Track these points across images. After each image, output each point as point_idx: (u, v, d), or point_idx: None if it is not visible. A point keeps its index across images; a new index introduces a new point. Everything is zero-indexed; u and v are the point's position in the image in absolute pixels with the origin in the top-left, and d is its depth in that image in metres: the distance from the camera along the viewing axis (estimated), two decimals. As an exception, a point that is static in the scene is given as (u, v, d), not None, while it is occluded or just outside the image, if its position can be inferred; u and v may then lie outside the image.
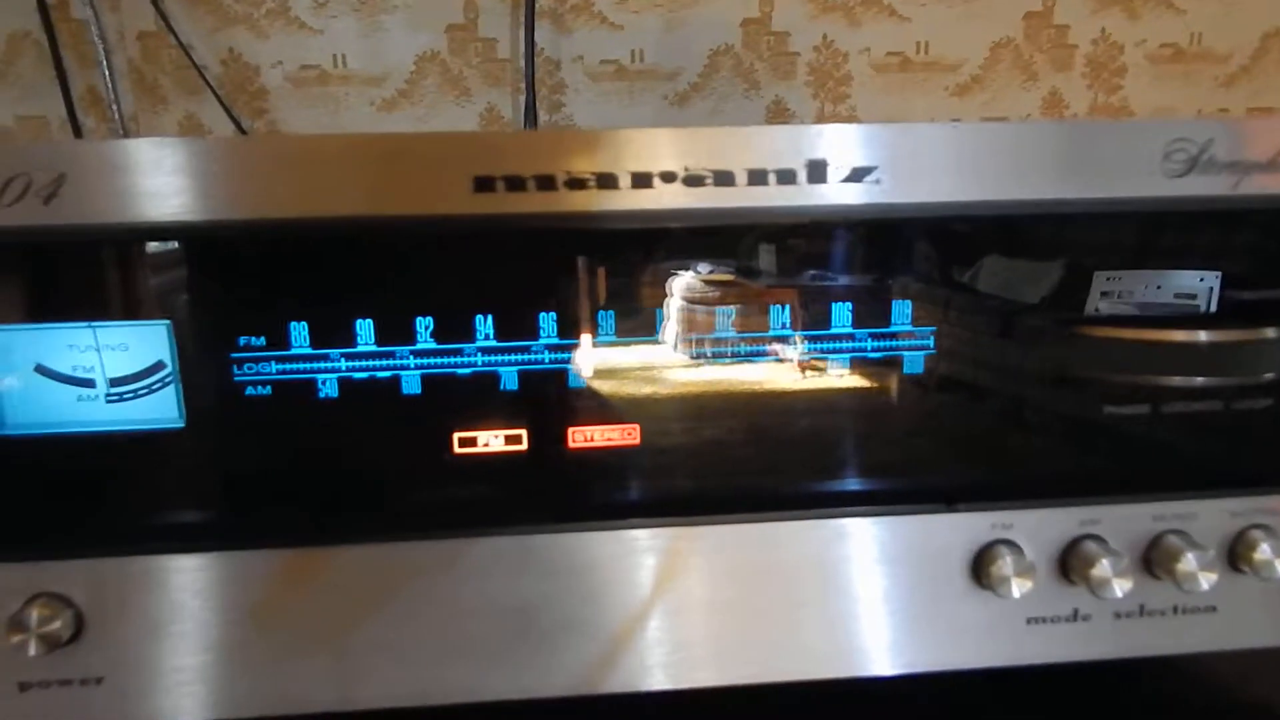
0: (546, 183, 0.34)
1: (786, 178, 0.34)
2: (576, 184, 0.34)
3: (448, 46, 0.88)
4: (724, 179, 0.34)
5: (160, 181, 0.34)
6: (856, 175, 0.34)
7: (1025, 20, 0.89)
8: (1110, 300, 0.40)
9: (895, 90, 0.91)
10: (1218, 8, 0.87)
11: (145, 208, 0.33)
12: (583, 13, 0.89)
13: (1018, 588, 0.38)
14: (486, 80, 0.90)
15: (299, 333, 0.37)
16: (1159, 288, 0.40)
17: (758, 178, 0.34)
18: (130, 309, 0.36)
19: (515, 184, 0.34)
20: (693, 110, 0.93)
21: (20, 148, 0.31)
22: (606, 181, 0.34)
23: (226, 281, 0.37)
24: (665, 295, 0.38)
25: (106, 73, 0.82)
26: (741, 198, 0.35)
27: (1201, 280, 0.41)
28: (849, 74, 0.91)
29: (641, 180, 0.34)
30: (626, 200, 0.34)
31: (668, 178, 0.34)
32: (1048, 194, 0.36)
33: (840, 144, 0.35)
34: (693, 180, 0.34)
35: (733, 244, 0.37)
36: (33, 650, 0.36)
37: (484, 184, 0.34)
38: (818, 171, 0.34)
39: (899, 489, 0.40)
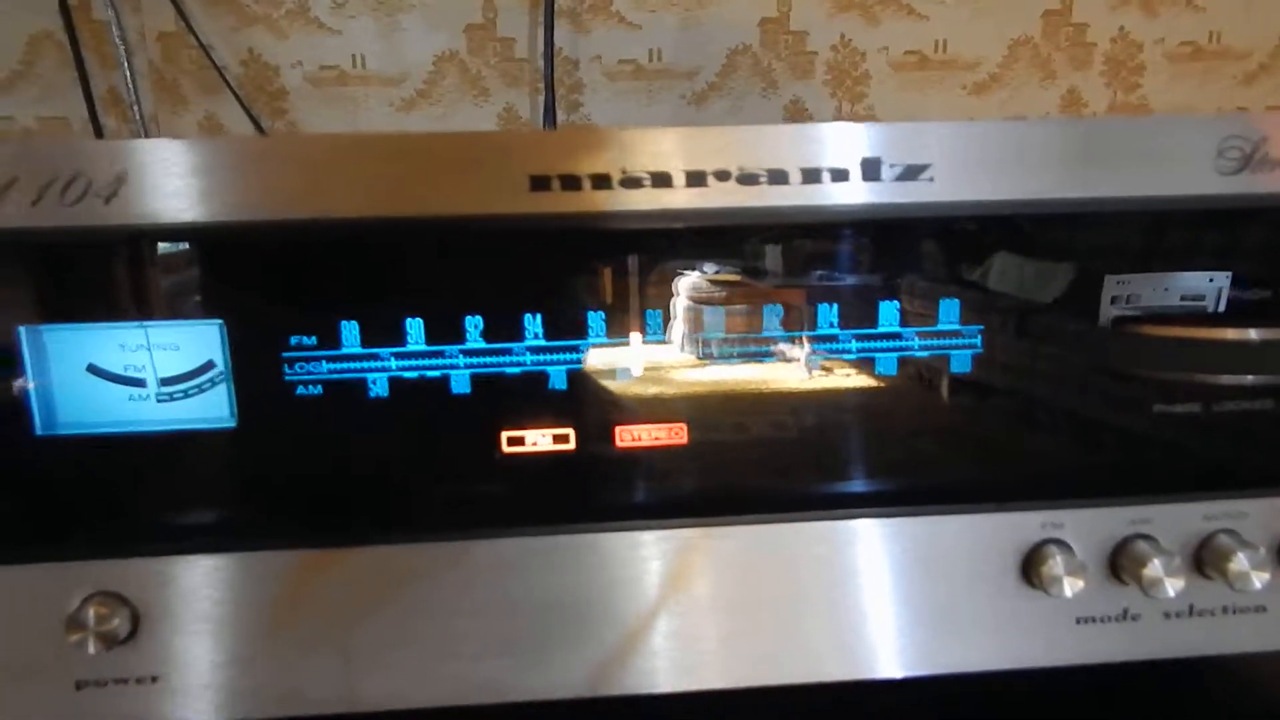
0: (602, 181, 0.34)
1: (840, 176, 0.35)
2: (632, 182, 0.34)
3: (466, 46, 0.89)
4: (777, 177, 0.35)
5: (220, 180, 0.34)
6: (910, 173, 0.35)
7: (1043, 18, 0.89)
8: (1120, 304, 0.40)
9: (913, 89, 0.91)
10: (1237, 5, 0.88)
11: (205, 207, 0.34)
12: (601, 12, 0.89)
13: (1069, 587, 0.39)
14: (505, 80, 0.90)
15: (350, 332, 0.37)
16: (1166, 289, 0.41)
17: (811, 176, 0.35)
18: (183, 308, 0.36)
19: (571, 183, 0.34)
20: (710, 110, 0.93)
21: (81, 147, 0.32)
22: (661, 180, 0.34)
23: (279, 280, 0.37)
24: (714, 295, 0.38)
25: (128, 73, 0.83)
26: (795, 196, 0.35)
27: (1211, 281, 0.41)
28: (867, 73, 0.92)
29: (696, 179, 0.34)
30: (680, 199, 0.35)
31: (721, 176, 0.35)
32: (1102, 191, 0.36)
33: (894, 141, 0.35)
34: (746, 179, 0.34)
35: (781, 243, 0.37)
36: (91, 648, 0.36)
37: (540, 183, 0.34)
38: (872, 169, 0.35)
39: (949, 488, 0.40)
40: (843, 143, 0.35)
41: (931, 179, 0.35)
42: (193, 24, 0.84)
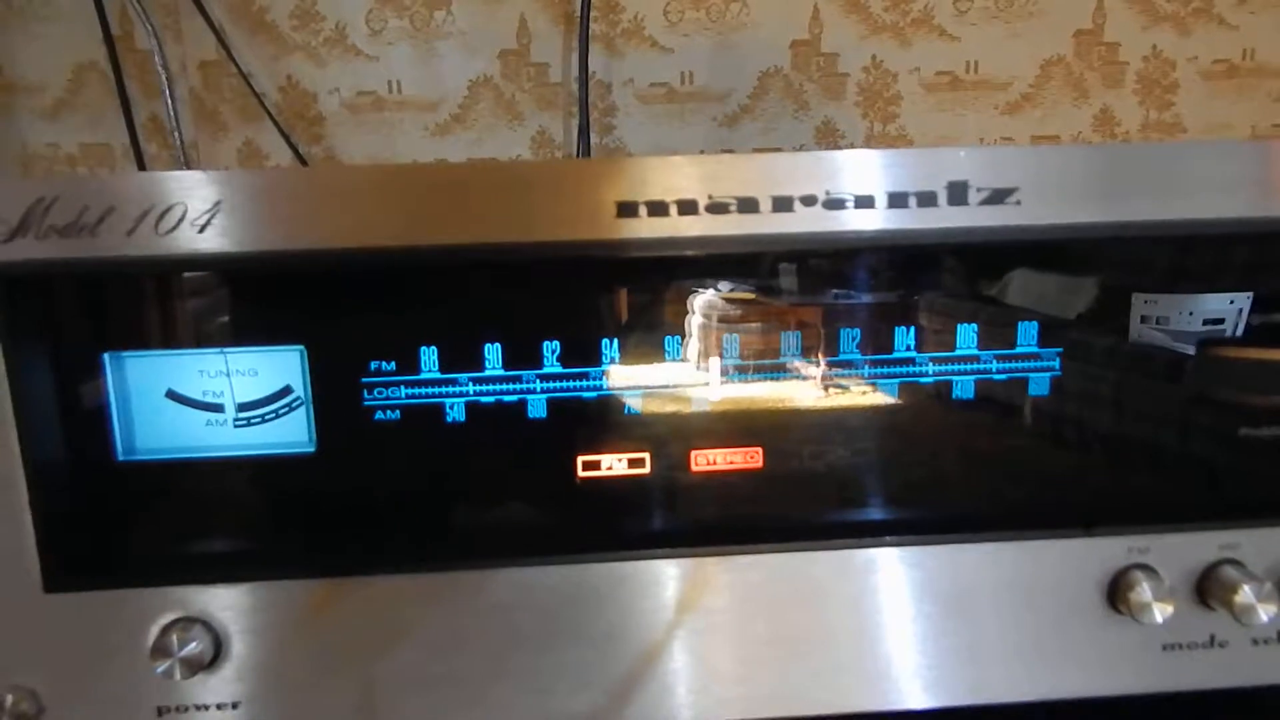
0: (688, 207, 0.35)
1: (927, 200, 0.35)
2: (718, 208, 0.35)
3: (500, 71, 0.90)
4: (864, 202, 0.35)
5: (313, 208, 0.34)
6: (997, 197, 0.35)
7: (1075, 38, 0.90)
8: (1149, 324, 0.40)
9: (946, 109, 0.92)
10: (1270, 22, 0.88)
11: (297, 234, 0.34)
12: (634, 36, 0.90)
13: (1159, 613, 0.38)
14: (539, 104, 0.91)
15: (428, 357, 0.37)
16: (1191, 314, 0.41)
17: (898, 200, 0.35)
18: (265, 335, 0.37)
19: (657, 209, 0.35)
20: (742, 132, 0.94)
21: (179, 178, 0.32)
22: (747, 206, 0.35)
23: (361, 307, 0.37)
24: (792, 318, 0.38)
25: (169, 101, 0.84)
26: (881, 220, 0.35)
27: (1231, 303, 0.41)
28: (898, 94, 0.92)
29: (782, 204, 0.35)
30: (767, 224, 0.35)
31: (808, 201, 0.35)
32: (1204, 213, 0.36)
33: (981, 165, 0.35)
34: (833, 204, 0.35)
35: (860, 268, 0.38)
36: (177, 675, 0.36)
37: (627, 209, 0.35)
38: (958, 193, 0.35)
39: (1033, 514, 0.40)
40: (931, 167, 0.35)
41: (1018, 202, 0.35)
42: (233, 53, 0.86)
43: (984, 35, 0.90)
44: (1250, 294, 0.40)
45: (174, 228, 0.34)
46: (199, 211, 0.34)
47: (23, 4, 0.85)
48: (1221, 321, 0.40)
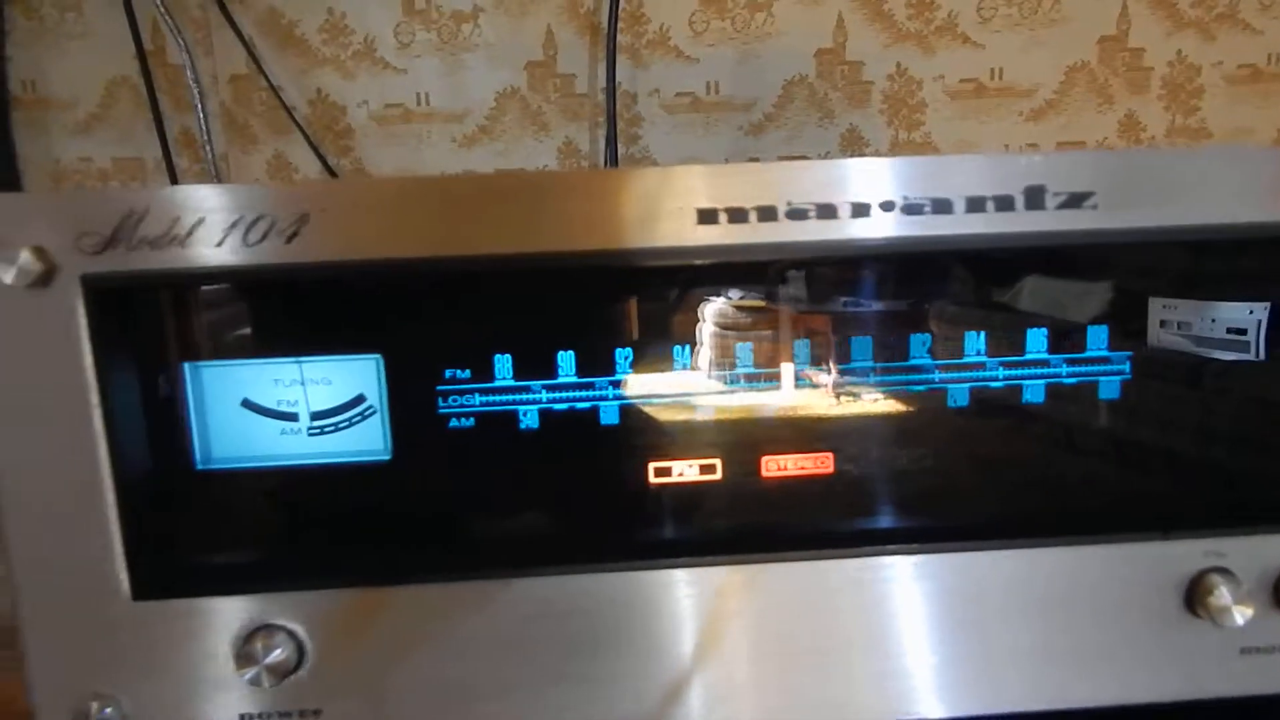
0: (768, 214, 0.35)
1: (1004, 204, 0.36)
2: (797, 214, 0.35)
3: (527, 83, 0.91)
4: (942, 207, 0.36)
5: (399, 219, 0.35)
6: (1074, 201, 0.35)
7: (1099, 44, 0.91)
8: (1169, 330, 0.41)
9: (970, 116, 0.93)
10: (1295, 28, 0.89)
11: (382, 244, 0.35)
12: (659, 47, 0.91)
13: (1240, 616, 0.39)
14: (565, 115, 0.92)
15: (503, 365, 0.38)
16: (1214, 321, 0.41)
17: (975, 205, 0.36)
18: (343, 343, 0.38)
19: (737, 216, 0.35)
20: (767, 140, 0.95)
21: (267, 190, 0.33)
22: (826, 212, 0.35)
23: (437, 315, 0.38)
24: (856, 322, 0.39)
25: (200, 115, 0.85)
26: (959, 225, 0.36)
27: (1251, 313, 0.41)
28: (923, 101, 0.93)
29: (860, 210, 0.35)
30: (846, 230, 0.36)
31: (886, 206, 0.36)
32: (1258, 215, 0.37)
33: (1057, 169, 0.36)
34: (911, 209, 0.36)
35: (931, 272, 0.38)
36: (265, 682, 0.37)
37: (707, 216, 0.35)
38: (1035, 198, 0.36)
39: (1111, 518, 0.41)
40: (1007, 171, 0.36)
41: (1095, 206, 0.36)
42: (264, 66, 0.86)
43: (1008, 42, 0.91)
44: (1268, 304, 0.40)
45: (262, 239, 0.35)
46: (287, 222, 0.35)
47: (55, 21, 0.86)
48: (1244, 332, 0.41)
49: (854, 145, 0.96)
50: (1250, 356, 0.41)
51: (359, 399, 0.39)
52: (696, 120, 0.93)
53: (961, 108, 0.93)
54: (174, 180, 0.87)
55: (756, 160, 0.93)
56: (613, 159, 0.91)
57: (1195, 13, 0.90)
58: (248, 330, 0.38)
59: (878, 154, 0.96)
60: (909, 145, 0.96)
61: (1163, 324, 0.42)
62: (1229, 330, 0.41)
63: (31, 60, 0.86)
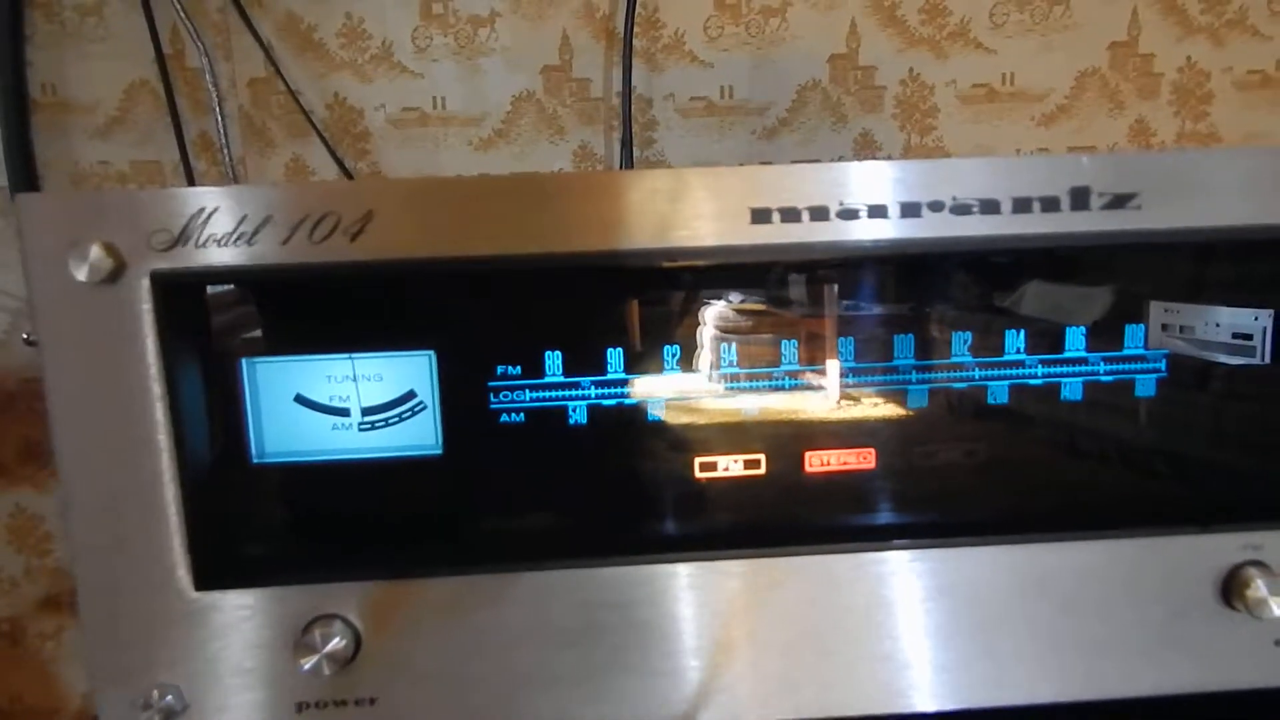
0: (820, 213, 0.37)
1: (1050, 205, 0.37)
2: (848, 214, 0.37)
3: (543, 87, 0.92)
4: (989, 207, 0.37)
5: (462, 218, 0.36)
6: (1119, 201, 0.37)
7: (1110, 50, 0.92)
8: (1171, 333, 0.42)
9: (982, 121, 0.94)
10: (1304, 34, 0.91)
11: (444, 242, 0.36)
12: (674, 51, 0.92)
13: (1277, 608, 0.40)
14: (580, 119, 0.93)
15: (553, 362, 0.39)
16: (1218, 325, 0.42)
17: (1022, 205, 0.37)
18: (398, 339, 0.39)
19: (790, 215, 0.37)
20: (780, 144, 0.96)
21: (333, 187, 0.34)
22: (877, 212, 0.37)
23: (490, 313, 0.39)
24: (907, 320, 0.40)
25: (219, 118, 0.86)
26: (1005, 225, 0.37)
27: (1255, 319, 0.43)
28: (935, 106, 0.95)
29: (910, 210, 0.37)
30: (894, 229, 0.37)
31: (935, 207, 0.37)
32: None
33: (1102, 171, 0.37)
34: (959, 209, 0.37)
35: (977, 272, 0.40)
36: (325, 670, 0.37)
37: (760, 215, 0.37)
38: (1080, 198, 0.37)
39: (1149, 511, 0.42)
40: (1052, 173, 0.37)
41: (1139, 207, 0.37)
42: (282, 70, 0.88)
43: (1019, 48, 0.93)
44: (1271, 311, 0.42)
45: (328, 236, 0.36)
46: (352, 220, 0.36)
47: (76, 25, 0.87)
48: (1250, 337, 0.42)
49: (867, 149, 0.98)
50: (1256, 361, 0.43)
51: (409, 395, 0.40)
52: (711, 124, 0.94)
53: (974, 112, 0.94)
54: (191, 182, 0.88)
55: (769, 163, 0.95)
56: (628, 163, 0.93)
57: (1205, 19, 0.92)
58: (302, 327, 0.39)
59: (890, 159, 0.97)
60: (921, 150, 0.97)
61: (1164, 328, 0.43)
62: (1234, 335, 0.42)
63: (52, 63, 0.87)
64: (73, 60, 0.88)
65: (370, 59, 0.90)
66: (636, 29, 0.90)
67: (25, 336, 0.88)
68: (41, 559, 0.96)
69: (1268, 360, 0.42)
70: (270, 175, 0.91)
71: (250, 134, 0.90)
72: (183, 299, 0.37)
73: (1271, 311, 0.42)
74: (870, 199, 0.37)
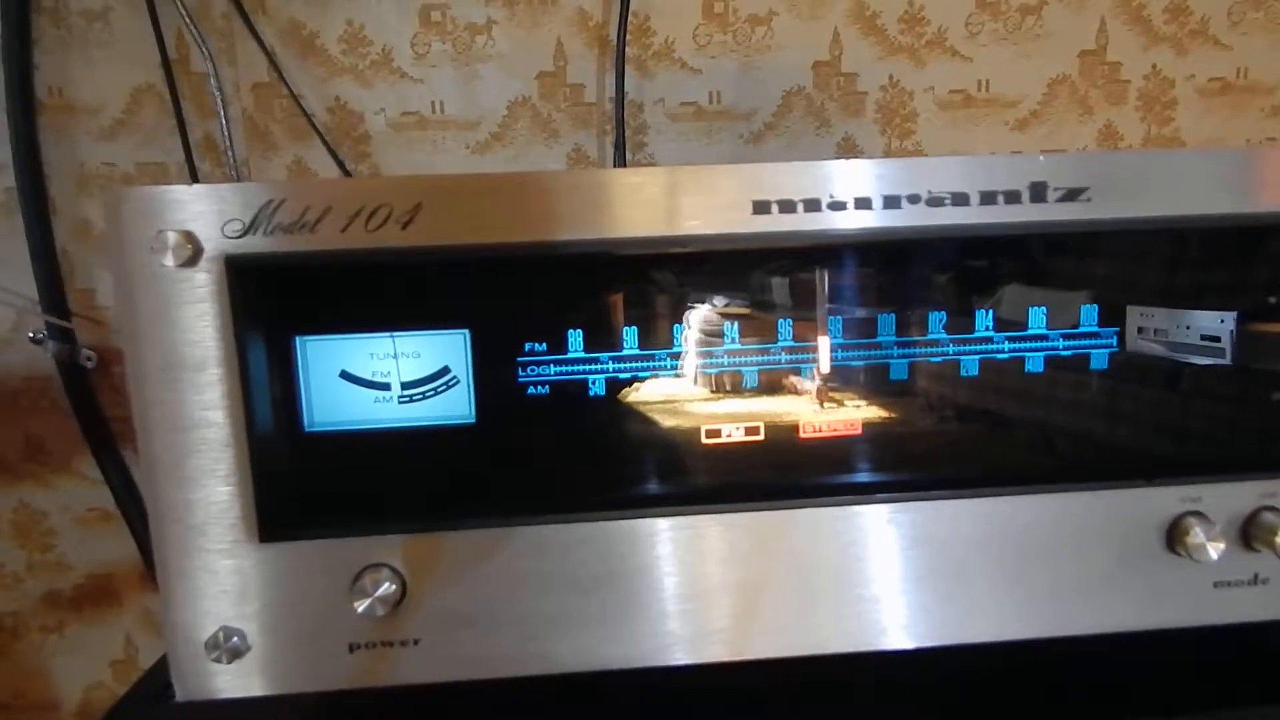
0: (813, 205, 0.43)
1: (1013, 198, 0.44)
2: (837, 205, 0.43)
3: (538, 92, 0.97)
4: (960, 199, 0.44)
5: (499, 209, 0.42)
6: (1071, 195, 0.44)
7: (1080, 58, 0.99)
8: (1147, 336, 0.49)
9: (959, 126, 1.01)
10: (1261, 43, 0.99)
11: (485, 230, 0.42)
12: (664, 58, 0.98)
13: (1213, 551, 0.47)
14: (574, 123, 0.99)
15: (575, 339, 0.45)
16: (1188, 328, 0.49)
17: (988, 198, 0.44)
18: (436, 319, 0.45)
19: (787, 206, 0.43)
20: (767, 147, 1.02)
21: (385, 181, 0.40)
22: (862, 204, 0.43)
23: (520, 294, 0.45)
24: (889, 300, 0.47)
25: (223, 121, 0.91)
26: (974, 215, 0.44)
27: (1222, 322, 0.49)
28: (914, 111, 1.01)
29: (891, 202, 0.43)
30: (877, 219, 0.43)
31: (913, 199, 0.43)
32: (1245, 208, 0.45)
33: (1058, 168, 0.44)
34: (934, 201, 0.43)
35: (947, 257, 0.46)
36: (379, 611, 0.43)
37: (761, 207, 0.43)
38: (1039, 192, 0.44)
39: (1101, 467, 0.49)
40: (1014, 170, 0.44)
41: (1090, 199, 0.44)
42: (285, 75, 0.93)
43: (994, 56, 1.00)
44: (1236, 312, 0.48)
45: (381, 225, 0.42)
46: (403, 211, 0.42)
47: (82, 30, 0.91)
48: (1218, 340, 0.49)
49: (849, 153, 1.04)
50: (1225, 362, 0.50)
51: (444, 370, 0.45)
52: (700, 128, 1.00)
53: (951, 117, 1.01)
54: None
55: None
56: (620, 165, 0.98)
57: (1169, 29, 0.99)
58: (351, 307, 0.45)
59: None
60: (901, 153, 1.04)
61: (1140, 330, 0.50)
62: (1203, 337, 0.49)
63: (58, 67, 0.92)
64: (79, 64, 0.92)
65: (370, 64, 0.95)
66: (628, 36, 0.95)
67: (31, 335, 0.93)
68: (44, 554, 1.00)
69: (1232, 361, 0.49)
70: (272, 177, 0.97)
71: (253, 136, 0.95)
72: (251, 281, 0.43)
73: (1236, 313, 0.48)
74: (856, 192, 0.44)
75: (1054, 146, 1.02)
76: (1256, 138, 1.01)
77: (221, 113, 0.92)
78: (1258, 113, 1.01)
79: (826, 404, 0.47)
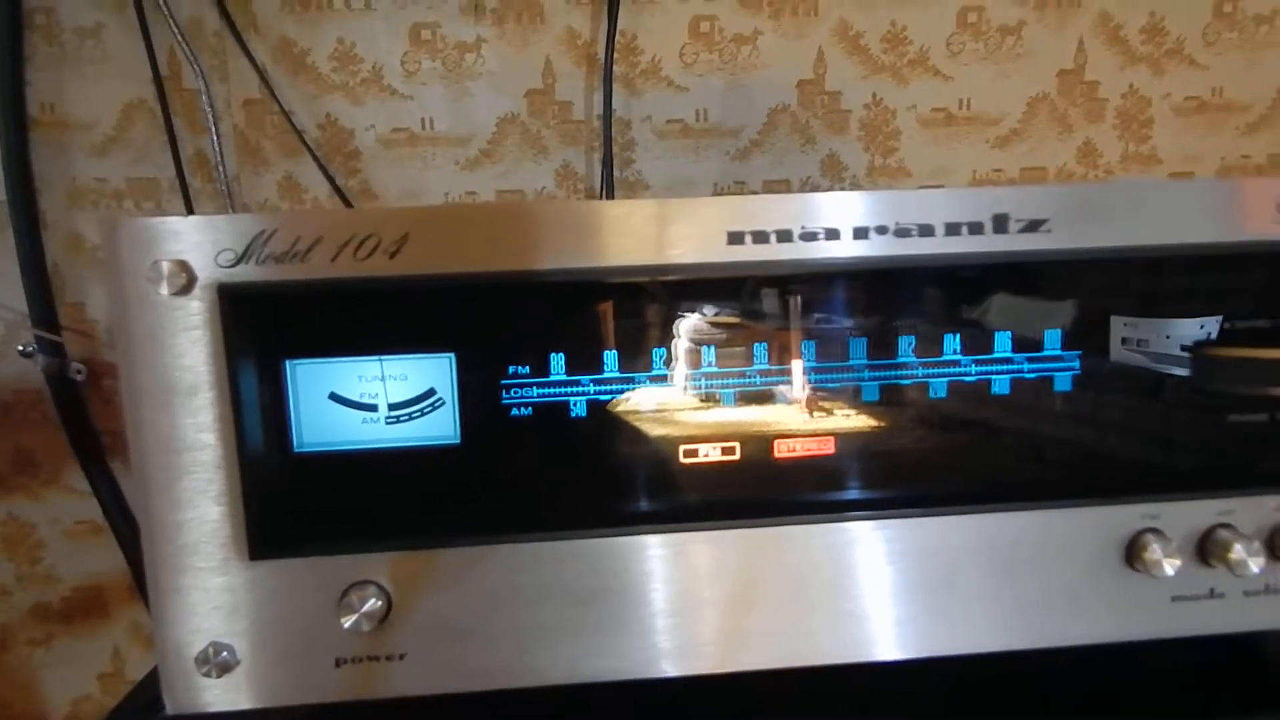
0: (785, 236, 0.45)
1: (976, 229, 0.46)
2: (808, 236, 0.45)
3: (527, 109, 0.99)
4: (926, 231, 0.46)
5: (482, 239, 0.44)
6: (1033, 226, 0.46)
7: (1059, 77, 1.02)
8: (1130, 346, 0.51)
9: (941, 144, 1.03)
10: (1236, 63, 1.01)
11: (467, 260, 0.44)
12: (651, 77, 1.00)
13: (1169, 567, 0.49)
14: (563, 140, 1.00)
15: (557, 362, 0.47)
16: (1168, 337, 0.51)
17: (953, 229, 0.46)
18: (422, 344, 0.46)
19: (760, 237, 0.45)
20: (753, 165, 1.04)
21: (374, 211, 0.42)
22: (832, 234, 0.45)
23: (503, 320, 0.47)
24: (860, 326, 0.49)
25: (214, 137, 0.92)
26: (939, 246, 0.46)
27: (1201, 327, 0.51)
28: (897, 129, 1.03)
29: (860, 233, 0.45)
30: (847, 249, 0.45)
31: (881, 230, 0.46)
32: (1198, 238, 0.48)
33: (1019, 200, 0.46)
34: (901, 233, 0.46)
35: (916, 285, 0.48)
36: (365, 627, 0.45)
37: (735, 237, 0.45)
38: (1001, 223, 0.46)
39: (1064, 486, 0.51)
40: (977, 203, 0.46)
41: (1050, 230, 0.46)
42: (276, 92, 0.95)
43: (975, 75, 1.02)
44: (1220, 318, 0.50)
45: (370, 254, 0.44)
46: (391, 240, 0.44)
47: (75, 47, 0.93)
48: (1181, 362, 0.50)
49: (834, 170, 1.06)
50: (1185, 384, 0.52)
51: (430, 392, 0.47)
52: (686, 145, 1.02)
53: (933, 135, 1.03)
54: (187, 199, 0.94)
55: (743, 184, 1.03)
56: (608, 182, 1.00)
57: (1146, 49, 1.02)
58: (340, 332, 0.47)
59: (855, 178, 1.06)
60: (885, 170, 1.06)
61: (1124, 341, 0.52)
62: (1183, 348, 0.51)
63: (51, 83, 0.94)
64: (71, 80, 0.94)
65: (361, 82, 0.97)
66: (616, 55, 0.97)
67: (20, 348, 0.94)
68: (33, 567, 1.01)
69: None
70: (264, 193, 0.98)
71: (244, 153, 0.97)
72: (243, 308, 0.44)
73: (1220, 318, 0.50)
74: (827, 224, 0.46)
75: (1034, 164, 1.04)
76: (1232, 155, 1.03)
77: (213, 129, 0.94)
78: (1233, 131, 1.03)
79: (800, 426, 0.49)
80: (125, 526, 0.96)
